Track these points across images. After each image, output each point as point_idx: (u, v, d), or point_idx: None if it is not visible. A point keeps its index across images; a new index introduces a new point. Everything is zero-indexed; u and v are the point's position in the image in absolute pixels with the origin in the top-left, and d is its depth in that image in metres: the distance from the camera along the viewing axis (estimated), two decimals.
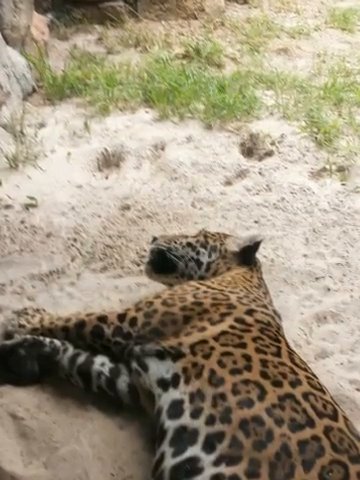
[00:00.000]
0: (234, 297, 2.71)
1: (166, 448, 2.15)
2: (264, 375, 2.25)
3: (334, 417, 2.15)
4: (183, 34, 7.60)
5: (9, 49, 5.61)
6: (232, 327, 2.51)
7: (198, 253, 3.32)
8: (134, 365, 2.59)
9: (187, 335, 2.52)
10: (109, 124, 5.45)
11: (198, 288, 2.79)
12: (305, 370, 2.37)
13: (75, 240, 3.99)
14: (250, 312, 2.62)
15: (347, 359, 3.15)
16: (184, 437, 2.13)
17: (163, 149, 5.16)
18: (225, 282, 2.92)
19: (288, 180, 4.77)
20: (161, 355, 2.51)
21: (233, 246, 3.32)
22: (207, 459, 2.03)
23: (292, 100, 5.89)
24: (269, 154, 5.13)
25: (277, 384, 2.21)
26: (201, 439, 2.09)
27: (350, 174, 4.86)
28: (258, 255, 3.40)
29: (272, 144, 5.21)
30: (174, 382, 2.35)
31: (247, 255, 3.27)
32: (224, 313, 2.59)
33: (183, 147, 5.17)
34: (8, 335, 2.93)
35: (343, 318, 3.45)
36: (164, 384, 2.39)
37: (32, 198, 4.36)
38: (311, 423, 2.08)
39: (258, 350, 2.38)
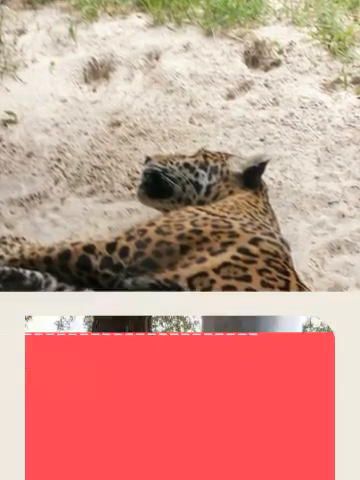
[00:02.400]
0: (237, 224, 2.67)
1: None
2: None
3: None
4: None
5: None
6: (235, 258, 2.48)
7: (197, 175, 3.27)
8: None
9: (184, 267, 2.49)
10: (97, 30, 5.36)
11: (197, 214, 2.75)
12: None
13: (59, 160, 3.98)
14: (255, 241, 2.59)
15: None
16: None
17: (158, 58, 5.08)
18: (227, 207, 2.88)
19: (298, 93, 4.69)
20: (155, 289, 2.48)
21: (236, 167, 3.27)
22: None
23: (302, 3, 5.73)
24: (276, 64, 5.04)
25: None
26: None
27: None
28: (264, 177, 3.36)
29: (280, 53, 5.11)
30: None
31: (252, 177, 3.23)
32: (226, 242, 2.56)
33: (180, 56, 5.08)
34: None
35: (359, 248, 3.43)
36: None
37: (11, 113, 4.31)
38: None
39: (264, 284, 2.37)
